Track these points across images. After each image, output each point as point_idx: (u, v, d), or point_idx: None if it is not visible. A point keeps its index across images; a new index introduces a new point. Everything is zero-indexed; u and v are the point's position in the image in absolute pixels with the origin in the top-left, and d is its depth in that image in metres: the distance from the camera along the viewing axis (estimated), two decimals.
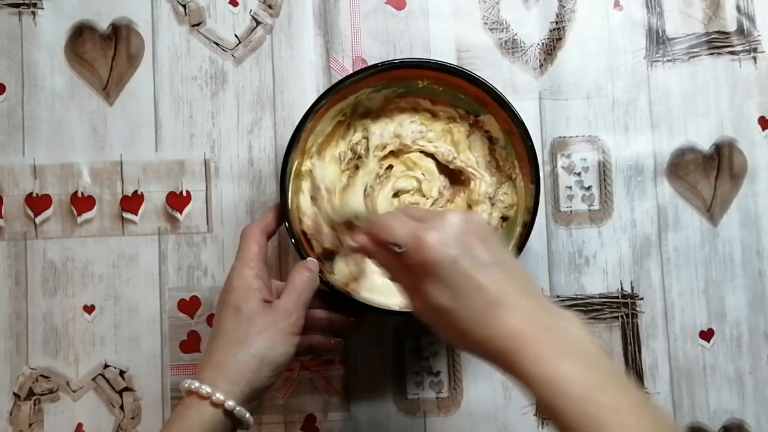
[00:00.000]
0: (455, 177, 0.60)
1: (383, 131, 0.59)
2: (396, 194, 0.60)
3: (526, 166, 0.55)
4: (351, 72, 0.59)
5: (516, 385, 0.38)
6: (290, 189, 0.55)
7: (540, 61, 0.64)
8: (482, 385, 0.62)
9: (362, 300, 0.54)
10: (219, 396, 0.45)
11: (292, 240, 0.53)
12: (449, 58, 0.63)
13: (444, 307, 0.40)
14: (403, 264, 0.42)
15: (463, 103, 0.58)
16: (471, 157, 0.59)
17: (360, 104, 0.59)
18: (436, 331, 0.43)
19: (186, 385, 0.46)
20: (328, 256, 0.58)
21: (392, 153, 0.60)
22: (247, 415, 0.46)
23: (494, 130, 0.58)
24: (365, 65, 0.62)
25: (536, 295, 0.41)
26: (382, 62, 0.55)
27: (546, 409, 0.37)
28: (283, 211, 0.54)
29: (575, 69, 0.64)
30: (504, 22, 0.64)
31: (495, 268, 0.40)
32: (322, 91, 0.56)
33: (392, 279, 0.46)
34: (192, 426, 0.45)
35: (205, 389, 0.45)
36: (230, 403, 0.45)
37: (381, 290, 0.57)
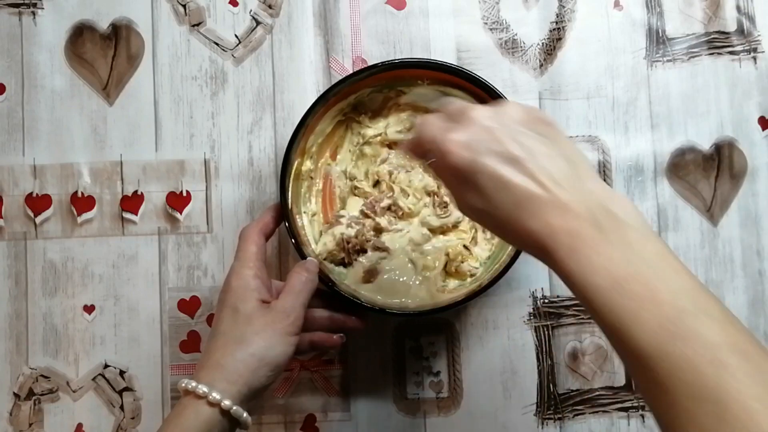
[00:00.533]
0: None
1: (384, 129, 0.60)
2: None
3: None
4: (351, 72, 0.59)
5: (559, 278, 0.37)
6: (290, 189, 0.55)
7: (540, 61, 0.64)
8: (482, 385, 0.62)
9: (362, 300, 0.54)
10: (216, 395, 0.45)
11: (292, 240, 0.53)
12: (449, 58, 0.63)
13: (479, 208, 0.39)
14: (438, 168, 0.41)
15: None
16: None
17: (361, 104, 0.59)
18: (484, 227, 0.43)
19: (183, 384, 0.46)
20: (339, 262, 0.58)
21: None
22: (245, 415, 0.46)
23: None
24: (365, 65, 0.62)
25: (575, 180, 0.38)
26: (382, 62, 0.55)
27: (581, 302, 0.36)
28: (283, 211, 0.54)
29: (575, 69, 0.64)
30: (504, 22, 0.64)
31: (523, 162, 0.38)
32: (322, 91, 0.56)
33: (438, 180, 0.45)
34: (189, 425, 0.45)
35: (202, 389, 0.45)
36: (227, 403, 0.45)
37: (382, 290, 0.57)
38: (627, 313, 0.34)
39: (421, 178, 0.60)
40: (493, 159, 0.38)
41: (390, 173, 0.60)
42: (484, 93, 0.55)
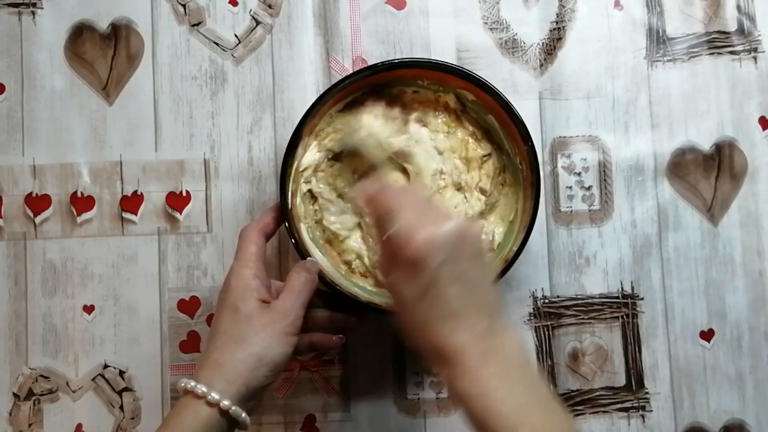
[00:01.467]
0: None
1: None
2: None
3: (527, 166, 0.55)
4: (351, 72, 0.58)
5: (449, 397, 0.41)
6: (290, 189, 0.55)
7: (540, 60, 0.63)
8: None
9: (363, 300, 0.54)
10: (214, 395, 0.45)
11: (292, 240, 0.53)
12: (449, 58, 0.63)
13: (407, 299, 0.42)
14: (390, 243, 0.43)
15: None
16: (477, 177, 0.59)
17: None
18: (392, 309, 0.45)
19: (182, 384, 0.46)
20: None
21: None
22: (243, 414, 0.46)
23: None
24: (365, 65, 0.62)
25: (493, 316, 0.42)
26: (381, 62, 0.55)
27: (476, 424, 0.40)
28: (283, 211, 0.54)
29: (575, 69, 0.63)
30: (504, 21, 0.64)
31: (467, 285, 0.42)
32: (322, 91, 0.56)
33: (374, 244, 0.47)
34: (187, 425, 0.45)
35: (201, 388, 0.45)
36: (225, 403, 0.45)
37: (381, 290, 0.57)
38: None
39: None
40: (447, 271, 0.41)
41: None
42: (484, 93, 0.55)
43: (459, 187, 0.59)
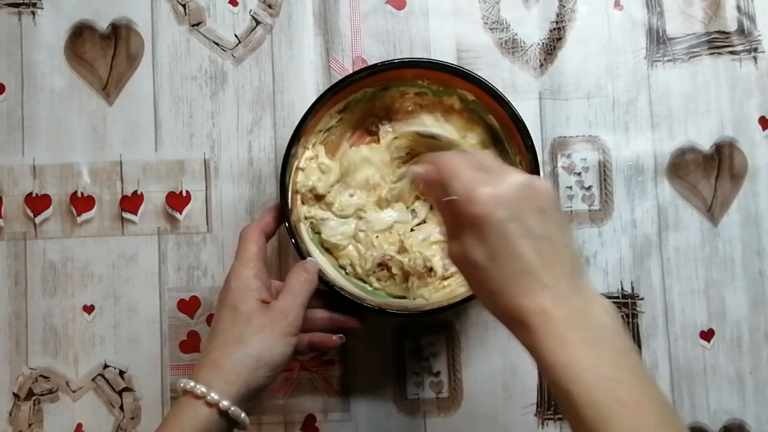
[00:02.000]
0: None
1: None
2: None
3: (527, 166, 0.55)
4: (351, 72, 0.58)
5: (532, 359, 0.38)
6: (290, 189, 0.55)
7: (540, 60, 0.63)
8: (482, 385, 0.61)
9: (362, 300, 0.54)
10: (214, 396, 0.45)
11: (293, 240, 0.53)
12: (449, 58, 0.63)
13: (478, 264, 0.39)
14: (451, 208, 0.41)
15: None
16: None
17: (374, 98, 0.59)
18: (465, 280, 0.44)
19: (182, 384, 0.46)
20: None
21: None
22: (242, 415, 0.46)
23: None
24: (365, 65, 0.62)
25: (575, 276, 0.39)
26: (381, 62, 0.55)
27: (559, 394, 0.36)
28: (283, 211, 0.54)
29: (575, 69, 0.63)
30: (504, 21, 0.64)
31: (540, 240, 0.39)
32: (322, 91, 0.56)
33: (438, 215, 0.44)
34: (186, 425, 0.45)
35: (200, 389, 0.45)
36: (225, 403, 0.45)
37: (381, 290, 0.58)
38: (610, 415, 0.35)
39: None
40: (516, 226, 0.39)
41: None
42: (485, 93, 0.55)
43: None
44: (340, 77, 0.55)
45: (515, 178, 0.40)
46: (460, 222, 0.40)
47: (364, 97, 0.58)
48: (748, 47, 0.64)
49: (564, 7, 0.64)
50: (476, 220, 0.39)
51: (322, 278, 0.53)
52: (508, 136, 0.57)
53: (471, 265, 0.40)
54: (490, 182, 0.39)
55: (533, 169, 0.54)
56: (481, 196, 0.39)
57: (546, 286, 0.38)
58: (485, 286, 0.40)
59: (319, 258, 0.56)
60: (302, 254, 0.53)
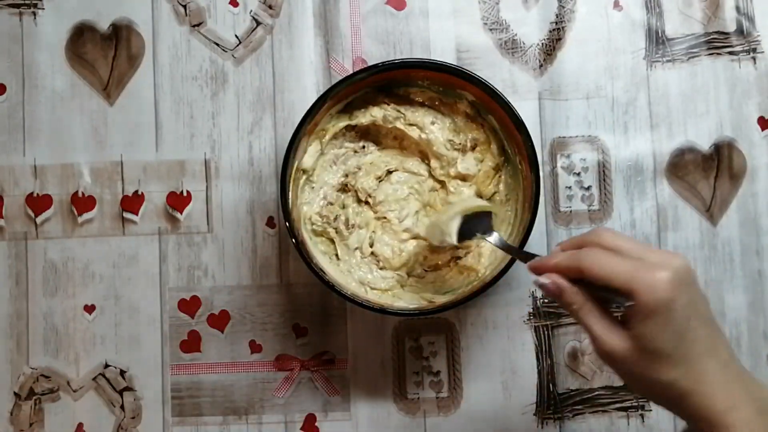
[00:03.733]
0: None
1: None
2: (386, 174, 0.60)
3: (527, 166, 0.55)
4: (351, 72, 0.59)
5: None
6: (290, 189, 0.55)
7: (540, 61, 0.64)
8: (482, 385, 0.62)
9: (362, 301, 0.54)
10: None
11: (293, 240, 0.53)
12: (449, 59, 0.63)
13: (661, 350, 0.38)
14: (598, 304, 0.40)
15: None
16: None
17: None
18: (623, 376, 0.42)
19: None
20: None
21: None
22: None
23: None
24: (365, 65, 0.62)
25: (734, 358, 0.40)
26: (382, 62, 0.55)
27: None
28: (283, 211, 0.54)
29: (575, 69, 0.64)
30: (504, 22, 0.64)
31: (710, 323, 0.40)
32: (322, 91, 0.56)
33: (578, 320, 0.42)
34: None
35: None
36: None
37: (375, 284, 0.58)
38: None
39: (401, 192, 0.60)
40: (693, 310, 0.39)
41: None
42: (484, 93, 0.55)
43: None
44: (340, 77, 0.55)
45: (677, 260, 0.39)
46: (634, 314, 0.39)
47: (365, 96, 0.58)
48: (747, 48, 0.64)
49: (563, 7, 0.64)
50: (660, 307, 0.38)
51: (322, 278, 0.53)
52: (508, 137, 0.57)
53: (649, 353, 0.38)
54: (660, 267, 0.38)
55: (533, 168, 0.54)
56: (662, 282, 0.38)
57: (718, 372, 0.38)
58: (662, 373, 0.39)
59: (320, 258, 0.57)
60: (303, 255, 0.53)
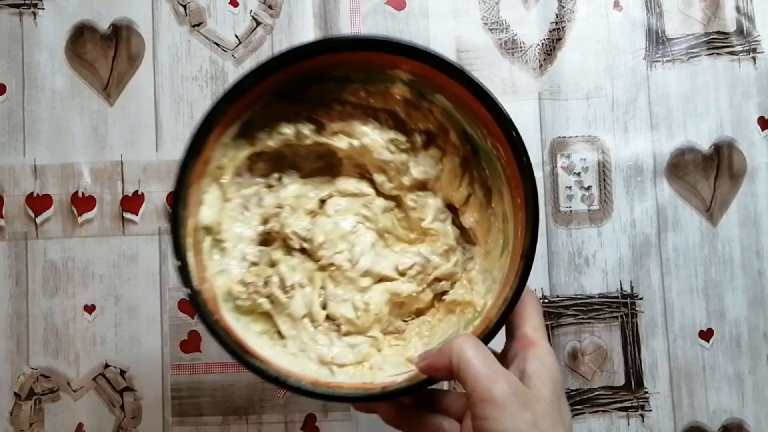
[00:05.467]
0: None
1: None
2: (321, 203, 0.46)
3: (505, 149, 0.40)
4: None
5: None
6: (191, 262, 0.40)
7: (540, 61, 0.64)
8: None
9: (330, 392, 0.40)
10: None
11: (211, 332, 0.39)
12: None
13: None
14: None
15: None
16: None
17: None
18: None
19: None
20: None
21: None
22: None
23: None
24: None
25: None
26: (272, 56, 0.40)
27: None
28: (188, 295, 0.39)
29: (575, 69, 0.64)
30: (504, 22, 0.64)
31: None
32: None
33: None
34: None
35: None
36: None
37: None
38: None
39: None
40: None
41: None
42: (423, 64, 0.40)
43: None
44: None
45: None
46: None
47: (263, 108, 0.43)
48: (747, 48, 0.64)
49: (563, 7, 0.64)
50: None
51: (264, 374, 0.39)
52: (469, 117, 0.42)
53: None
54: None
55: (514, 149, 0.39)
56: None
57: None
58: None
59: (256, 344, 0.41)
60: (233, 351, 0.39)
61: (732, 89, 0.64)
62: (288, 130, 0.43)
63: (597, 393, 0.62)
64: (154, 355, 0.61)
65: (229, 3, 0.64)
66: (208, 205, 0.41)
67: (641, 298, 0.62)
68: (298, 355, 0.42)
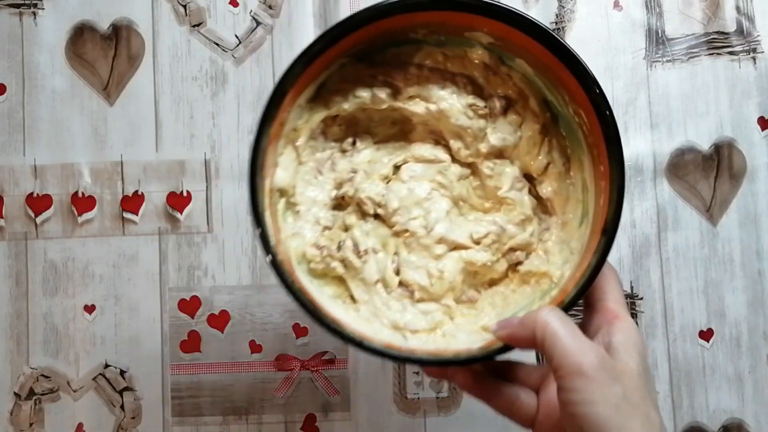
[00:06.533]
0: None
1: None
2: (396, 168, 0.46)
3: (589, 114, 0.40)
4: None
5: None
6: (267, 223, 0.41)
7: None
8: None
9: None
10: None
11: (291, 294, 0.39)
12: None
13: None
14: None
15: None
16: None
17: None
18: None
19: None
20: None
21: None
22: None
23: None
24: None
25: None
26: (363, 9, 0.39)
27: None
28: (264, 247, 0.40)
29: None
30: None
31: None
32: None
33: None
34: None
35: None
36: None
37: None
38: None
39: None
40: None
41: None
42: (506, 25, 0.39)
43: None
44: None
45: None
46: None
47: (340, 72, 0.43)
48: (747, 48, 0.64)
49: (563, 7, 0.64)
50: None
51: (343, 335, 0.39)
52: (551, 82, 0.42)
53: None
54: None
55: (599, 114, 0.39)
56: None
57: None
58: None
59: (330, 307, 0.41)
60: (313, 314, 0.39)
61: (732, 89, 0.64)
62: (364, 94, 0.43)
63: None
64: (154, 355, 0.61)
65: (229, 3, 0.64)
66: (283, 167, 0.42)
67: (641, 298, 0.62)
68: (371, 319, 0.42)
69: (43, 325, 0.61)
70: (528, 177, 0.45)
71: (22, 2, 0.63)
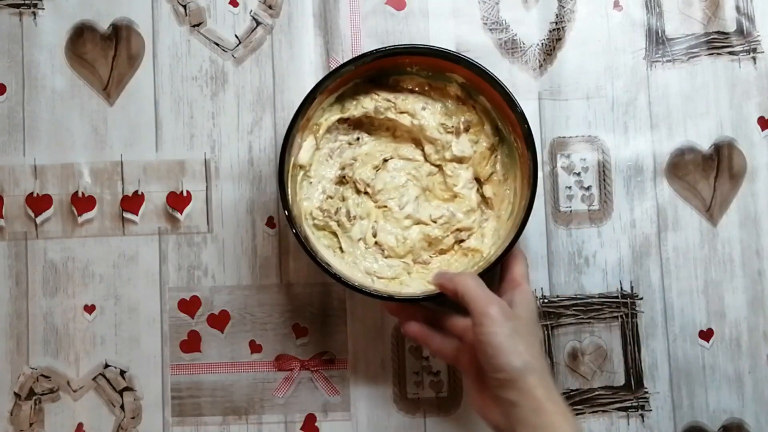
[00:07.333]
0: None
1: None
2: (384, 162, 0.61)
3: (521, 138, 0.55)
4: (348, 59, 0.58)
5: None
6: (289, 186, 0.55)
7: (540, 61, 0.64)
8: None
9: (368, 290, 0.54)
10: None
11: (296, 235, 0.53)
12: None
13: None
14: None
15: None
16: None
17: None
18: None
19: None
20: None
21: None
22: None
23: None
24: None
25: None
26: (368, 51, 0.55)
27: None
28: (284, 208, 0.54)
29: (575, 69, 0.64)
30: (504, 22, 0.64)
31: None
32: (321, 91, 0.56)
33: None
34: None
35: None
36: None
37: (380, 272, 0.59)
38: None
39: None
40: None
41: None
42: (473, 74, 0.56)
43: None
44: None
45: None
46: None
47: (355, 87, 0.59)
48: (747, 48, 0.64)
49: (563, 7, 0.64)
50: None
51: (329, 271, 0.53)
52: (501, 116, 0.58)
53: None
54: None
55: (528, 145, 0.54)
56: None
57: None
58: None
59: (324, 252, 0.57)
60: (309, 252, 0.53)
61: (732, 89, 0.64)
62: (368, 105, 0.59)
63: (597, 393, 0.62)
64: (154, 355, 0.61)
65: (229, 3, 0.64)
66: (305, 150, 0.58)
67: (641, 298, 0.62)
68: (351, 265, 0.58)
69: (43, 325, 0.61)
70: (477, 180, 0.60)
71: (22, 2, 0.63)
